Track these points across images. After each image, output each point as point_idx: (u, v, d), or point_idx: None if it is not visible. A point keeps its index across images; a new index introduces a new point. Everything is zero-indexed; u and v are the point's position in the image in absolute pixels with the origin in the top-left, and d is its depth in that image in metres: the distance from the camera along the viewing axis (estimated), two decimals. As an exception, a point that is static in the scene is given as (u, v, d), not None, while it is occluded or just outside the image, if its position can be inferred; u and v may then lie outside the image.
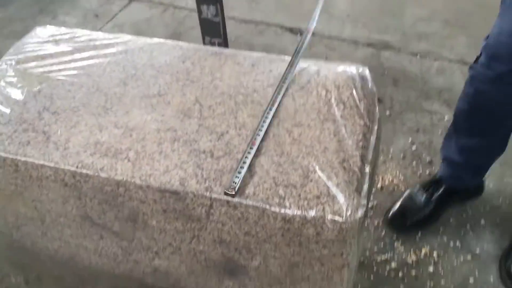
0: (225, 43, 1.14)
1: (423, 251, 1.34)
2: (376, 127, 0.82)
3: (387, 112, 1.78)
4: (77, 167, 0.77)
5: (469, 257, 1.32)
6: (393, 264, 1.31)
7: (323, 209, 0.69)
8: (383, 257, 1.33)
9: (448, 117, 1.75)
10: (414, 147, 1.64)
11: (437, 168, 1.55)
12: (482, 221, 1.41)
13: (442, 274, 1.29)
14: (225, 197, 0.71)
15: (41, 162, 0.78)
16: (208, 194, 0.73)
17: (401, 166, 1.59)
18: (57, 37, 1.04)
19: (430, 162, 1.59)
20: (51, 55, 0.99)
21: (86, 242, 0.89)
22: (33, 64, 0.97)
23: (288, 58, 0.93)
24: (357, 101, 0.84)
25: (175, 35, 2.20)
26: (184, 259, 0.83)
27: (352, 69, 0.91)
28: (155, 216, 0.77)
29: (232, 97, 0.87)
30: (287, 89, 0.87)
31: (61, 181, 0.79)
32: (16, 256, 1.04)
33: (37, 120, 0.85)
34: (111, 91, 0.90)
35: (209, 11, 1.11)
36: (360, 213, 0.68)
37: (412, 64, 2.02)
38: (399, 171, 1.57)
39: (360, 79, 0.88)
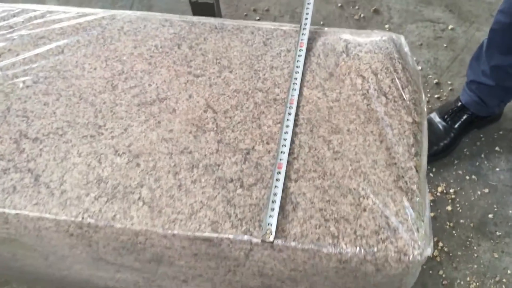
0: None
1: (439, 189, 1.31)
2: (425, 122, 0.71)
3: (386, 26, 1.63)
4: (82, 218, 0.65)
5: (486, 190, 1.30)
6: (411, 209, 1.28)
7: (386, 247, 0.61)
8: (400, 202, 1.29)
9: (452, 25, 1.62)
10: (419, 67, 1.53)
11: (445, 90, 1.47)
12: (497, 148, 1.37)
13: (460, 212, 1.27)
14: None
15: (36, 214, 0.66)
16: (246, 238, 0.63)
17: (407, 91, 1.49)
18: (10, 21, 0.84)
19: (438, 84, 1.50)
20: (9, 50, 0.80)
21: (100, 273, 0.80)
22: (-11, 67, 0.78)
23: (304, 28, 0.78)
24: (401, 90, 0.72)
25: None
26: (217, 286, 0.76)
27: (386, 41, 0.77)
28: (183, 258, 0.68)
29: (250, 96, 0.73)
30: (313, 78, 0.74)
31: (64, 232, 0.67)
32: (17, 276, 0.95)
33: (16, 153, 0.70)
34: (99, 99, 0.74)
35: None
36: (429, 250, 0.60)
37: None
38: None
39: (399, 56, 0.75)
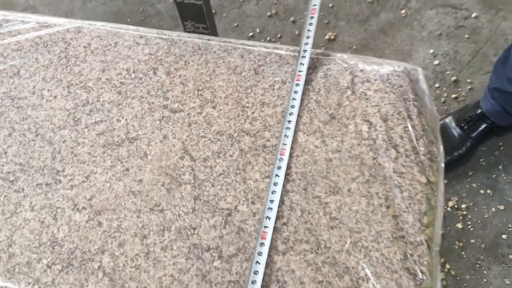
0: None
1: (450, 203, 1.21)
2: (442, 182, 0.60)
3: (403, 12, 1.49)
4: (32, 289, 0.56)
5: (501, 207, 1.21)
6: (418, 226, 1.19)
7: None
8: (407, 218, 1.20)
9: (476, 13, 1.47)
10: (436, 61, 1.40)
11: (464, 89, 1.35)
12: (517, 159, 1.26)
13: (471, 230, 1.18)
14: None
15: (-20, 281, 0.57)
16: (223, 323, 0.54)
17: (422, 89, 1.37)
18: (-41, 30, 0.72)
19: (456, 82, 1.37)
20: (-44, 69, 0.69)
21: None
22: None
23: (303, 53, 0.66)
24: (415, 141, 0.61)
25: None
26: None
27: (399, 75, 0.65)
28: (152, 332, 0.60)
29: (235, 141, 0.63)
30: (310, 120, 0.63)
31: (14, 300, 0.58)
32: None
33: (-41, 203, 0.61)
34: (58, 137, 0.64)
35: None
36: None
37: None
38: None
39: (414, 96, 0.63)
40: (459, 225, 1.19)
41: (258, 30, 1.50)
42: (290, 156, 0.61)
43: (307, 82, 0.65)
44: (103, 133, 0.64)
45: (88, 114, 0.65)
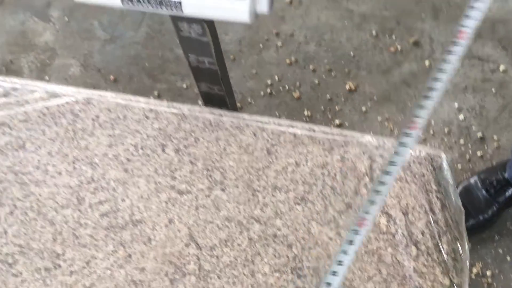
0: (220, 63, 0.80)
1: (474, 270, 1.16)
2: (466, 285, 0.56)
3: (427, 62, 1.46)
4: None
5: (530, 277, 1.14)
6: (441, 296, 1.14)
7: None
8: (428, 286, 1.15)
9: (504, 66, 1.43)
10: (461, 116, 1.36)
11: (491, 147, 1.30)
12: (547, 225, 1.20)
13: (498, 302, 1.12)
14: None
15: None
16: None
17: (446, 145, 1.33)
18: (-32, 98, 0.72)
19: (482, 139, 1.33)
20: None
21: None
22: None
23: (319, 130, 0.63)
24: (437, 238, 0.57)
25: None
26: None
27: (421, 163, 0.62)
28: None
29: (244, 228, 0.60)
30: (325, 209, 0.60)
31: None
32: None
33: (-46, 286, 0.59)
34: (60, 217, 0.62)
35: (192, 29, 0.76)
36: None
37: (457, -17, 1.62)
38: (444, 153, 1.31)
39: (437, 187, 0.60)
40: (485, 295, 1.14)
41: (276, 78, 1.49)
42: (302, 248, 0.58)
43: (322, 165, 0.63)
44: (107, 214, 0.62)
45: (93, 192, 0.63)
